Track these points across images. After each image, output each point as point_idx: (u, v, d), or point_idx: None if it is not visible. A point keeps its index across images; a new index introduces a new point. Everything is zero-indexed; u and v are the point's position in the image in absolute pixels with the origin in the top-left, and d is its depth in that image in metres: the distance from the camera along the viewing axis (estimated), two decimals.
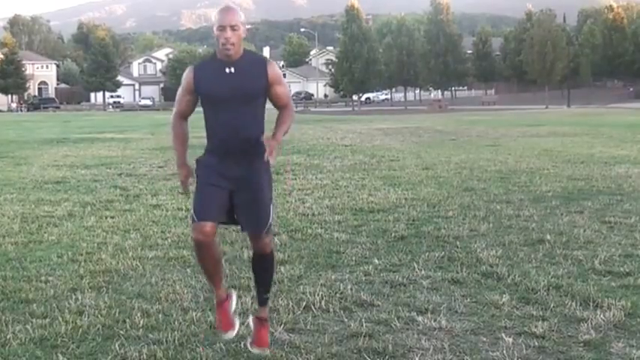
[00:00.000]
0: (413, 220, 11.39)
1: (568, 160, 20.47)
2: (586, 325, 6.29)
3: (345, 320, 6.58)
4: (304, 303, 7.04)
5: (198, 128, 5.82)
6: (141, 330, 6.35)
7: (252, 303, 6.79)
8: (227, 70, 5.53)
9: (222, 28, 5.44)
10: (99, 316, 6.71)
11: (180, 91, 5.77)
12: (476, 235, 10.15)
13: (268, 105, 5.71)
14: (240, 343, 5.99)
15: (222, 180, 5.54)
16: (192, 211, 5.60)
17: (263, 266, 5.88)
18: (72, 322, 6.51)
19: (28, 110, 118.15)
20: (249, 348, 5.86)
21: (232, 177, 5.54)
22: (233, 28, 5.44)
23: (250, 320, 6.01)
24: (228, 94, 5.47)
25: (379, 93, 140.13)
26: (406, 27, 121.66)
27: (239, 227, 5.78)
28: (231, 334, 5.84)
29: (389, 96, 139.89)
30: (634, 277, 7.85)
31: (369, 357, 5.72)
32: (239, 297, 7.04)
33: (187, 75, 5.68)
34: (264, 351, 5.86)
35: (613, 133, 32.81)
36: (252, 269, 6.03)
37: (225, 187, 5.55)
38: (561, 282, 7.62)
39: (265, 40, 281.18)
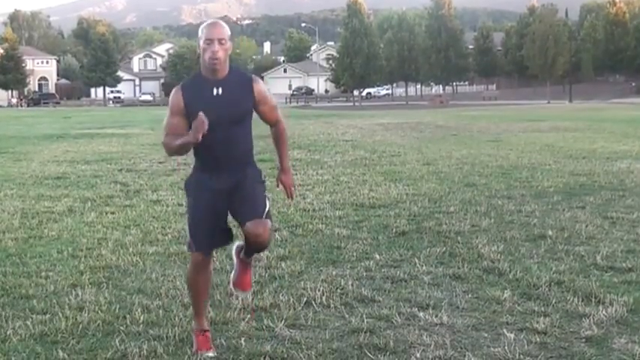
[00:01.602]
0: (414, 216, 11.37)
1: (570, 155, 20.46)
2: (588, 320, 6.27)
3: (346, 316, 6.55)
4: (305, 299, 7.03)
5: None
6: (141, 326, 6.33)
7: (252, 299, 6.74)
8: (215, 91, 5.46)
9: (209, 41, 5.38)
10: (99, 312, 6.69)
11: (168, 116, 5.58)
12: (477, 231, 10.13)
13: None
14: (240, 339, 5.97)
15: (215, 196, 5.54)
16: (189, 237, 5.66)
17: (257, 250, 5.79)
18: (72, 318, 6.49)
19: (28, 106, 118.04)
20: (231, 288, 6.08)
21: (225, 188, 5.54)
22: (220, 42, 5.39)
23: (234, 255, 6.04)
24: (217, 117, 5.37)
25: (380, 88, 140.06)
26: (407, 22, 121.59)
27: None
28: (212, 354, 5.75)
29: (390, 91, 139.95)
30: (636, 272, 7.83)
31: (370, 353, 5.70)
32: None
33: (175, 96, 5.55)
34: (245, 294, 6.13)
35: (615, 129, 32.79)
36: (244, 243, 5.81)
37: (219, 205, 5.57)
38: (563, 278, 7.60)
39: (266, 35, 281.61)
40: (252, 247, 5.67)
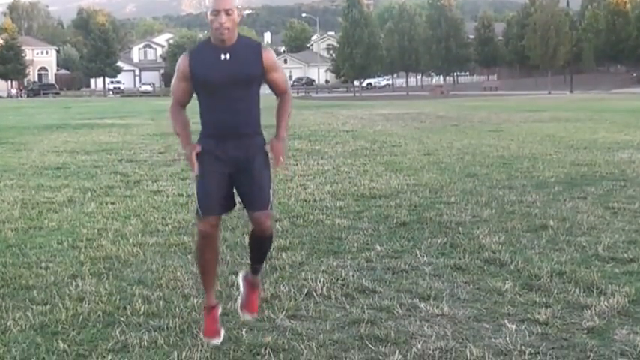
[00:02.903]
0: (415, 206, 11.36)
1: (571, 145, 20.43)
2: (589, 311, 6.26)
3: (347, 307, 6.55)
4: (306, 289, 7.03)
5: (195, 113, 5.77)
6: (142, 316, 6.32)
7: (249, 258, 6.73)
8: (222, 56, 5.48)
9: (216, 12, 5.38)
10: (99, 302, 6.69)
11: (175, 79, 5.68)
12: (478, 221, 10.12)
13: (264, 89, 5.67)
14: (241, 330, 5.97)
15: (221, 165, 5.52)
16: (197, 204, 5.59)
17: (261, 245, 5.87)
18: (72, 308, 6.49)
19: (28, 96, 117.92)
20: (239, 311, 5.99)
21: (230, 160, 5.52)
22: (227, 12, 5.38)
23: (240, 281, 6.07)
24: (224, 81, 5.43)
25: (381, 78, 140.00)
26: (407, 12, 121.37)
27: (240, 211, 5.77)
28: (217, 340, 5.73)
29: (390, 81, 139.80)
30: (638, 263, 7.82)
31: (371, 343, 5.69)
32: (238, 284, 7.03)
33: (182, 61, 5.60)
34: (253, 316, 5.99)
35: (616, 119, 32.75)
36: (248, 244, 6.00)
37: (225, 173, 5.53)
38: (564, 268, 7.59)
39: (266, 25, 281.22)
40: (256, 237, 5.74)
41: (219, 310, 5.89)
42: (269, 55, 5.63)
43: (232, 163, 5.52)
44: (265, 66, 5.57)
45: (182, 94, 5.67)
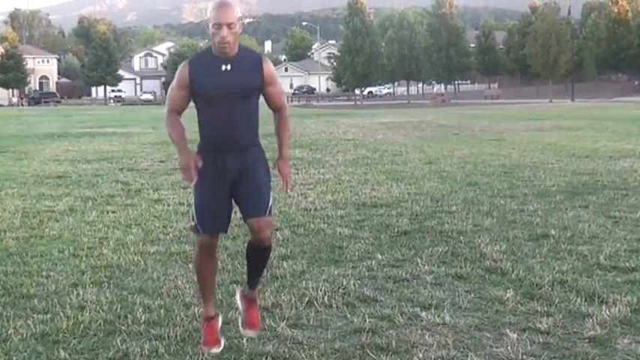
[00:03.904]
0: (416, 215, 11.35)
1: (572, 154, 20.43)
2: (591, 320, 6.25)
3: (348, 316, 6.54)
4: (307, 298, 7.02)
5: (192, 123, 5.77)
6: (142, 325, 6.31)
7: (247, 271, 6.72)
8: (223, 67, 5.46)
9: (218, 26, 5.36)
10: (100, 311, 6.68)
11: (173, 86, 5.66)
12: (480, 230, 10.11)
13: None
14: (242, 339, 5.96)
15: (220, 180, 5.51)
16: (195, 219, 5.56)
17: (259, 256, 5.83)
18: (73, 317, 6.48)
19: (29, 104, 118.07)
20: (241, 330, 5.93)
21: (230, 170, 5.50)
22: (229, 26, 5.36)
23: (238, 299, 6.04)
24: (223, 92, 5.41)
25: (381, 87, 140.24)
26: (408, 20, 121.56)
27: (241, 219, 5.76)
28: (218, 349, 5.73)
29: (391, 90, 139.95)
30: (639, 272, 7.80)
31: (372, 353, 5.68)
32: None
33: (182, 70, 5.58)
34: (255, 333, 5.94)
35: (618, 127, 32.75)
36: (246, 256, 5.96)
37: (224, 186, 5.52)
38: (566, 277, 7.58)
39: (267, 33, 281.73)
40: (254, 246, 5.69)
41: (219, 321, 5.88)
42: (269, 68, 5.62)
43: (231, 174, 5.51)
44: (265, 78, 5.56)
45: (180, 102, 5.64)
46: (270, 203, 5.61)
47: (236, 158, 5.50)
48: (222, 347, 5.71)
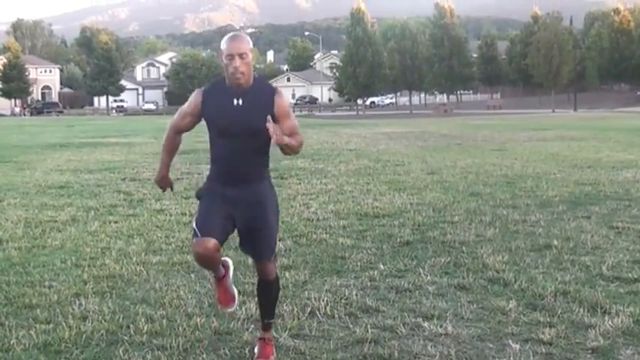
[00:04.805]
0: (418, 225, 11.35)
1: (575, 164, 20.43)
2: (594, 331, 6.24)
3: (351, 326, 6.53)
4: (309, 309, 7.01)
5: (202, 133, 5.78)
6: (145, 336, 6.31)
7: (256, 309, 6.71)
8: (235, 101, 5.42)
9: (230, 57, 5.34)
10: (103, 321, 6.67)
11: (184, 109, 5.70)
12: (482, 241, 10.11)
13: None
14: (244, 349, 5.96)
15: (227, 203, 5.50)
16: (194, 225, 5.51)
17: (267, 292, 5.87)
18: (76, 327, 6.48)
19: (31, 114, 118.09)
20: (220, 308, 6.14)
21: (238, 203, 5.50)
22: (242, 56, 5.34)
23: (256, 342, 5.97)
24: (234, 127, 5.40)
25: (384, 97, 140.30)
26: (410, 30, 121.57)
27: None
28: (232, 307, 5.95)
29: (394, 100, 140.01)
30: None
31: None
32: (243, 303, 7.02)
33: (195, 98, 5.59)
34: (228, 309, 6.08)
35: (620, 138, 32.76)
36: (257, 293, 6.00)
37: (229, 214, 5.51)
38: (569, 288, 7.57)
39: (269, 43, 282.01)
40: (261, 278, 5.83)
41: (230, 274, 5.90)
42: (282, 102, 5.54)
43: (238, 207, 5.51)
44: (277, 113, 5.47)
45: (184, 124, 5.71)
46: (276, 249, 5.75)
47: (245, 191, 5.51)
48: (236, 304, 5.98)
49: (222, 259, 5.86)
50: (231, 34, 5.54)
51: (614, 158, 22.21)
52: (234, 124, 5.39)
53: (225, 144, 5.47)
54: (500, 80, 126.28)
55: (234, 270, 8.25)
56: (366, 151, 27.26)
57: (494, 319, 6.67)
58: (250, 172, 5.52)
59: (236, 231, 5.65)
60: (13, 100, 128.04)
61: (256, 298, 6.11)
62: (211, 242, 5.37)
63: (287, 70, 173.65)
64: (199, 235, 5.42)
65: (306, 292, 7.59)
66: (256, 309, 6.76)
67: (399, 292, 7.66)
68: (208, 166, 5.72)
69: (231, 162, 5.47)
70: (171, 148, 5.89)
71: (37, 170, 20.84)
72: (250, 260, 6.10)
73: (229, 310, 6.04)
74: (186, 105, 5.68)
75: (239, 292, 7.23)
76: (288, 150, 5.38)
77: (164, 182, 6.06)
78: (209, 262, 5.55)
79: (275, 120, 5.41)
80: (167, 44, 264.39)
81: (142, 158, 24.76)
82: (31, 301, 7.40)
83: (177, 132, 5.79)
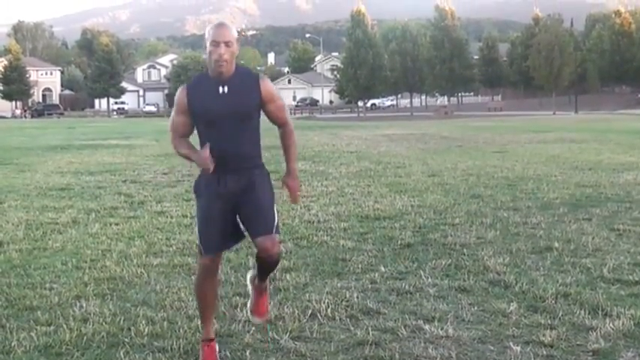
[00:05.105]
0: (419, 228, 11.34)
1: (576, 166, 20.42)
2: (595, 334, 6.24)
3: (352, 328, 6.53)
4: (310, 311, 7.00)
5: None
6: (146, 338, 6.31)
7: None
8: (220, 89, 5.46)
9: (215, 43, 5.37)
10: (103, 323, 6.67)
11: (173, 115, 5.68)
12: (483, 243, 10.10)
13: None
14: (245, 351, 5.96)
15: (223, 201, 5.53)
16: (198, 241, 5.63)
17: (267, 267, 5.81)
18: (76, 329, 6.48)
19: (32, 117, 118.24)
20: (249, 315, 6.13)
21: (233, 192, 5.53)
22: (227, 44, 5.38)
23: (248, 282, 6.11)
24: (222, 115, 5.43)
25: (385, 99, 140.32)
26: (410, 33, 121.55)
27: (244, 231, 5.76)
28: (265, 319, 6.07)
29: (394, 102, 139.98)
30: None
31: None
32: (244, 305, 7.02)
33: (180, 95, 5.61)
34: (262, 320, 6.13)
35: (621, 140, 32.74)
36: (256, 265, 5.90)
37: (227, 209, 5.55)
38: (570, 290, 7.56)
39: (270, 45, 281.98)
40: (263, 260, 5.68)
41: (217, 346, 5.90)
42: (267, 86, 5.60)
43: (234, 195, 5.53)
44: (263, 97, 5.55)
45: (183, 128, 5.67)
46: (276, 221, 5.63)
47: (238, 179, 5.53)
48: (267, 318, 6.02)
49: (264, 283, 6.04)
50: (217, 22, 5.56)
51: (615, 160, 22.19)
52: (221, 111, 5.42)
53: (215, 133, 5.47)
54: (501, 82, 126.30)
55: (236, 272, 8.31)
56: (367, 153, 27.24)
57: (495, 322, 6.66)
58: (242, 158, 5.54)
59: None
60: (13, 102, 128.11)
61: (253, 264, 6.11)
62: (215, 258, 5.69)
63: (288, 72, 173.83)
64: (204, 253, 5.63)
65: (307, 295, 7.59)
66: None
67: (400, 294, 7.65)
68: None
69: (222, 150, 5.45)
70: (185, 144, 5.69)
71: (37, 172, 20.84)
72: (251, 262, 6.09)
73: (260, 321, 6.18)
74: (174, 108, 5.68)
75: (240, 294, 7.29)
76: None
77: (202, 155, 5.43)
78: (212, 271, 5.72)
79: (262, 103, 5.58)
80: (168, 46, 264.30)
81: (143, 160, 24.76)
82: (31, 303, 7.40)
83: (180, 137, 5.75)
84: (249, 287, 6.09)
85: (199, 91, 5.54)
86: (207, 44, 5.42)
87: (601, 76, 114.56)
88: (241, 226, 5.69)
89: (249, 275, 6.18)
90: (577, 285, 7.81)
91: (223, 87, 5.47)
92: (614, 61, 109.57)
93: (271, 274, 6.20)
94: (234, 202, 5.53)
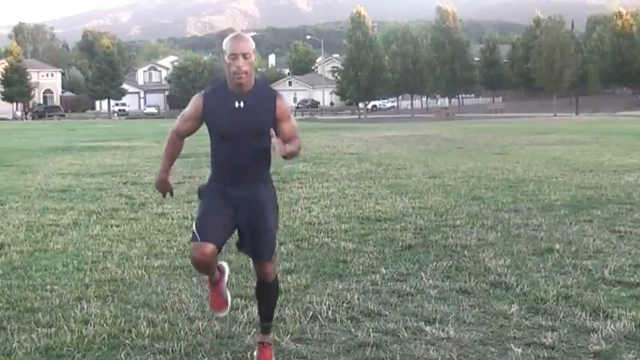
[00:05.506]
0: (420, 229, 11.34)
1: (577, 168, 20.40)
2: (596, 335, 6.24)
3: (353, 330, 6.53)
4: (311, 312, 7.01)
5: (203, 136, 5.80)
6: (147, 339, 6.31)
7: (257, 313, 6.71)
8: (237, 104, 5.45)
9: (234, 56, 5.35)
10: (104, 325, 6.67)
11: (186, 112, 5.71)
12: (484, 245, 10.10)
13: None
14: (246, 353, 5.96)
15: (228, 203, 5.53)
16: (194, 228, 5.50)
17: (266, 294, 5.86)
18: (77, 331, 6.48)
19: (33, 118, 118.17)
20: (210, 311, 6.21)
21: (238, 203, 5.53)
22: (245, 56, 5.36)
23: (255, 353, 5.95)
24: (235, 130, 5.43)
25: (385, 101, 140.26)
26: (411, 34, 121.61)
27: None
28: (224, 312, 6.02)
29: (395, 104, 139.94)
30: None
31: None
32: (245, 307, 7.04)
33: (196, 101, 5.61)
34: (221, 313, 6.13)
35: (622, 141, 32.72)
36: (255, 296, 6.03)
37: (229, 214, 5.54)
38: (571, 292, 7.57)
39: (271, 47, 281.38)
40: (260, 280, 5.80)
41: (225, 281, 5.96)
42: (282, 105, 5.58)
43: (239, 206, 5.54)
44: (278, 116, 5.53)
45: (187, 129, 5.75)
46: (276, 248, 5.73)
47: (245, 192, 5.53)
48: (228, 309, 6.05)
49: (219, 263, 5.87)
50: (234, 34, 5.58)
51: (616, 162, 22.17)
52: (235, 127, 5.41)
53: (226, 146, 5.49)
54: (502, 84, 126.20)
55: (237, 274, 8.30)
56: (368, 154, 27.22)
57: (497, 323, 6.67)
58: (252, 173, 5.55)
59: (236, 231, 5.67)
60: (14, 104, 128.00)
61: (256, 308, 6.12)
62: (209, 248, 5.39)
63: (289, 73, 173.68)
64: (198, 238, 5.42)
65: (308, 296, 7.59)
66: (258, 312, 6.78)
67: (401, 296, 7.66)
68: (210, 169, 5.73)
69: (232, 164, 5.50)
70: (173, 152, 5.92)
71: (38, 174, 20.84)
72: (251, 264, 6.09)
73: (221, 314, 6.11)
74: (187, 109, 5.70)
75: (241, 296, 7.28)
76: (289, 156, 5.41)
77: (163, 186, 6.11)
78: (205, 267, 5.57)
79: (275, 122, 5.50)
80: (169, 48, 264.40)
81: (144, 162, 24.74)
82: (32, 304, 7.41)
83: (179, 136, 5.82)
84: (256, 353, 5.91)
85: (215, 103, 5.53)
86: (226, 57, 5.40)
87: (602, 78, 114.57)
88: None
89: (256, 352, 5.94)
90: (578, 287, 7.81)
91: (239, 102, 5.45)
92: (615, 63, 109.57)
93: (273, 321, 6.09)
94: (237, 209, 5.53)
